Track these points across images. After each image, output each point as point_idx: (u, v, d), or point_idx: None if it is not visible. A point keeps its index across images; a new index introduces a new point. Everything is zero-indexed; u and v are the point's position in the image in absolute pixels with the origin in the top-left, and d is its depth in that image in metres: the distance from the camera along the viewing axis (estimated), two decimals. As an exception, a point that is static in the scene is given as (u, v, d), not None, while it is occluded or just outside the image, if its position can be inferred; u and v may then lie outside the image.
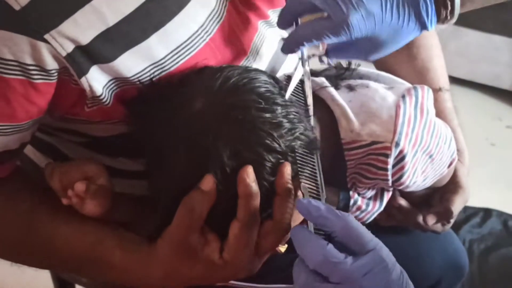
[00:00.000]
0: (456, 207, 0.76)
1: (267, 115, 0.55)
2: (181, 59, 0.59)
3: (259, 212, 0.55)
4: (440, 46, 0.85)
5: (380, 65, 0.83)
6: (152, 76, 0.58)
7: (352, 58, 0.65)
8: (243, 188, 0.53)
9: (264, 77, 0.59)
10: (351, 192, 0.71)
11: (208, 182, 0.53)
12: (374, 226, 0.73)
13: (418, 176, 0.68)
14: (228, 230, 0.56)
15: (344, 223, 0.51)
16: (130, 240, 0.60)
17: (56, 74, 0.54)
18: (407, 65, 0.75)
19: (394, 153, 0.64)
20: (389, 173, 0.65)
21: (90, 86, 0.55)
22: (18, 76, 0.53)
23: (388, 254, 0.51)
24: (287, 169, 0.55)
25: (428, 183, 0.71)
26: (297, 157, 0.56)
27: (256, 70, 0.61)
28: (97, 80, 0.56)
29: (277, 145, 0.55)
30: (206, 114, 0.54)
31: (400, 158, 0.65)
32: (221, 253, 0.56)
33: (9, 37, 0.51)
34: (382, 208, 0.74)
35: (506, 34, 1.95)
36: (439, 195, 0.77)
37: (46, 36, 0.52)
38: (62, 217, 0.61)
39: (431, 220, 0.76)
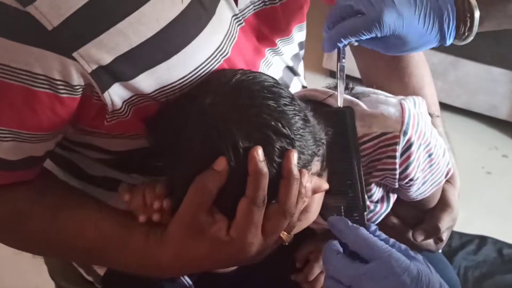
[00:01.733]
0: (444, 224, 0.79)
1: (272, 103, 0.59)
2: (198, 80, 0.62)
3: (266, 193, 0.58)
4: (430, 75, 0.90)
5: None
6: (169, 95, 0.61)
7: (377, 49, 0.70)
8: (253, 166, 0.56)
9: (267, 76, 0.64)
10: None
11: (220, 163, 0.56)
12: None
13: (420, 172, 0.71)
14: (235, 213, 0.59)
15: (355, 234, 0.60)
16: (151, 227, 0.63)
17: (80, 90, 0.58)
18: (399, 93, 0.80)
19: (402, 141, 0.68)
20: (397, 161, 0.69)
21: (111, 101, 0.59)
22: (46, 90, 0.56)
23: (398, 260, 0.58)
24: (294, 155, 0.58)
25: (427, 190, 0.74)
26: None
27: (260, 72, 0.66)
28: (118, 96, 0.59)
29: (284, 130, 0.58)
30: (217, 105, 0.58)
31: (407, 147, 0.69)
32: (228, 231, 0.59)
33: (41, 54, 0.54)
34: (389, 209, 0.78)
35: (504, 67, 1.98)
36: (429, 214, 0.80)
37: (74, 54, 0.55)
38: (90, 207, 0.65)
39: (419, 236, 0.79)
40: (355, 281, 0.58)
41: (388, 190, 0.77)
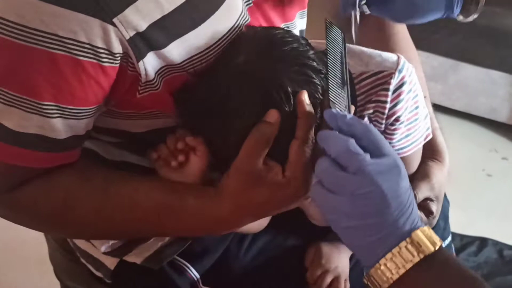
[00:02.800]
0: (421, 192, 0.80)
1: (296, 45, 0.64)
2: (218, 55, 0.64)
3: (313, 133, 0.62)
4: (419, 61, 0.92)
5: None
6: (197, 65, 0.63)
7: (386, 15, 0.72)
8: (302, 108, 0.60)
9: (280, 28, 0.68)
10: None
11: (274, 115, 0.60)
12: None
13: (406, 116, 0.74)
14: (286, 158, 0.62)
15: (366, 128, 0.58)
16: (200, 186, 0.66)
17: (119, 58, 0.59)
18: None
19: (396, 77, 0.72)
20: (389, 93, 0.72)
21: (145, 71, 0.60)
22: (91, 59, 0.57)
23: (402, 164, 0.57)
24: (304, 95, 0.61)
25: (407, 147, 0.77)
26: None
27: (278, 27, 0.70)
28: (151, 65, 0.61)
29: (318, 67, 0.63)
30: (252, 61, 0.62)
31: (400, 85, 0.72)
32: (284, 174, 0.62)
33: (85, 20, 0.55)
34: None
35: (503, 70, 2.00)
36: None
37: (114, 20, 0.56)
38: (137, 179, 0.67)
39: None
40: (361, 170, 0.55)
41: None
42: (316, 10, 0.82)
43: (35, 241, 1.41)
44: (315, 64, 0.63)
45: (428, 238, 0.55)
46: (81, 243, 0.84)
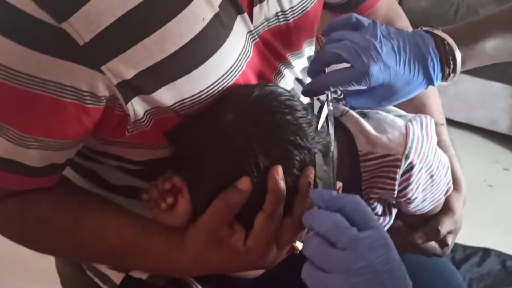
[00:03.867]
0: (444, 227, 0.80)
1: (290, 117, 0.62)
2: (216, 93, 0.64)
3: (282, 208, 0.61)
4: (435, 88, 0.93)
5: None
6: (188, 107, 0.63)
7: (367, 104, 0.72)
8: (272, 184, 0.59)
9: (282, 89, 0.67)
10: None
11: (245, 183, 0.60)
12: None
13: (419, 193, 0.73)
14: (251, 223, 0.62)
15: (354, 201, 0.57)
16: (170, 228, 0.66)
17: (105, 100, 0.60)
18: (405, 102, 0.82)
19: (403, 164, 0.70)
20: (397, 182, 0.71)
21: (134, 111, 0.61)
22: (73, 100, 0.58)
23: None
24: (311, 173, 0.61)
25: (426, 207, 0.76)
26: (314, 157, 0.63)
27: (275, 85, 0.69)
28: (140, 106, 0.61)
29: (302, 142, 0.61)
30: (238, 121, 0.61)
31: (408, 169, 0.71)
32: (245, 242, 0.62)
33: (71, 67, 0.56)
34: (391, 222, 0.80)
35: (503, 81, 2.01)
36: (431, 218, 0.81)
37: (103, 68, 0.57)
38: (111, 212, 0.68)
39: (419, 238, 0.80)
40: (351, 245, 0.53)
41: (389, 204, 0.79)
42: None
43: (37, 255, 1.41)
44: (298, 140, 0.61)
45: None
46: (87, 258, 0.85)
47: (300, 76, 0.81)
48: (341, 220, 0.55)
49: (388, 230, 0.80)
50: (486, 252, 1.74)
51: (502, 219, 1.86)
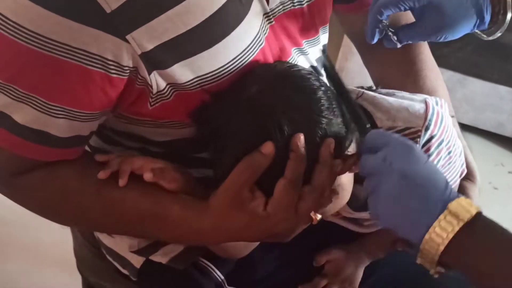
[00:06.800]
0: None
1: (312, 89, 0.65)
2: (235, 70, 0.66)
3: (302, 176, 0.63)
4: (442, 77, 0.93)
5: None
6: (206, 84, 0.65)
7: (418, 37, 0.73)
8: (295, 151, 0.62)
9: (302, 67, 0.69)
10: None
11: (268, 147, 0.62)
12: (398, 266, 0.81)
13: (440, 168, 0.74)
14: (271, 191, 0.64)
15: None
16: (187, 198, 0.68)
17: (128, 71, 0.62)
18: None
19: (424, 135, 0.72)
20: None
21: (156, 81, 0.63)
22: (99, 69, 0.60)
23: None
24: (332, 143, 0.63)
25: None
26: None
27: (295, 64, 0.71)
28: (161, 79, 0.63)
29: (324, 112, 0.64)
30: (263, 93, 0.64)
31: (428, 139, 0.73)
32: (265, 207, 0.64)
33: (98, 34, 0.58)
34: None
35: (510, 85, 2.02)
36: None
37: (128, 37, 0.59)
38: (129, 184, 0.69)
39: None
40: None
41: None
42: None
43: (52, 242, 1.43)
44: (321, 110, 0.64)
45: (463, 207, 0.58)
46: (106, 241, 0.87)
47: (315, 64, 0.82)
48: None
49: None
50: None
51: (506, 221, 1.82)
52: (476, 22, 0.71)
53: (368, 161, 0.62)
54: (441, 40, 0.75)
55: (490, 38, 0.73)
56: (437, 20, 0.70)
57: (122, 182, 0.68)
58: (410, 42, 0.80)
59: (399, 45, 0.79)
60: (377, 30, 0.75)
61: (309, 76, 0.67)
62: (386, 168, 0.59)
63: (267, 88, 0.64)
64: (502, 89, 2.04)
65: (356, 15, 0.89)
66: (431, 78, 0.90)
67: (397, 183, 0.58)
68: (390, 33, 0.78)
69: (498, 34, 0.72)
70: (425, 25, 0.72)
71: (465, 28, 0.71)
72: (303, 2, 0.74)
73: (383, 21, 0.74)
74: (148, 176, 0.67)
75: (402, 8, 0.69)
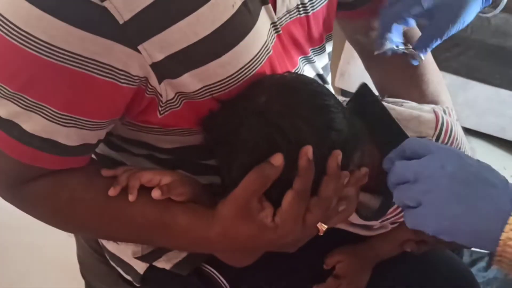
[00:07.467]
0: None
1: (319, 100, 0.65)
2: (244, 78, 0.67)
3: (310, 187, 0.64)
4: (443, 81, 0.93)
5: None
6: (214, 92, 0.66)
7: (438, 34, 0.73)
8: (303, 163, 0.62)
9: (310, 77, 0.69)
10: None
11: (278, 158, 0.62)
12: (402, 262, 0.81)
13: None
14: (279, 202, 0.64)
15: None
16: (195, 206, 0.69)
17: (138, 81, 0.62)
18: (418, 101, 0.84)
19: None
20: None
21: (166, 91, 0.64)
22: (109, 79, 0.61)
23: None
24: (339, 155, 0.64)
25: None
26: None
27: (304, 74, 0.72)
28: (170, 88, 0.64)
29: (333, 125, 0.64)
30: (271, 103, 0.64)
31: None
32: (274, 218, 0.65)
33: (110, 45, 0.58)
34: None
35: (513, 89, 2.03)
36: None
37: (139, 47, 0.60)
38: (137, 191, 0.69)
39: None
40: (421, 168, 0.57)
41: None
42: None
43: (56, 247, 1.43)
44: (329, 121, 0.64)
45: None
46: (110, 247, 0.87)
47: (321, 72, 0.83)
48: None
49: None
50: (492, 257, 1.74)
51: (509, 225, 1.87)
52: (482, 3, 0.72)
53: (412, 167, 0.59)
54: (460, 28, 0.74)
55: (490, 15, 0.74)
56: (447, 20, 0.71)
57: (132, 197, 0.68)
58: (430, 48, 0.81)
59: (423, 57, 0.79)
60: (386, 39, 0.75)
61: (317, 87, 0.67)
62: (440, 172, 0.56)
63: (275, 99, 0.65)
64: (504, 93, 2.04)
65: (358, 21, 0.89)
66: (433, 82, 0.91)
67: (457, 187, 0.55)
68: (411, 49, 0.78)
69: (501, 7, 0.73)
70: (439, 20, 0.72)
71: (477, 3, 0.71)
72: (309, 10, 0.75)
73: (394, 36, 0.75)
74: (156, 195, 0.67)
75: (412, 12, 0.70)
